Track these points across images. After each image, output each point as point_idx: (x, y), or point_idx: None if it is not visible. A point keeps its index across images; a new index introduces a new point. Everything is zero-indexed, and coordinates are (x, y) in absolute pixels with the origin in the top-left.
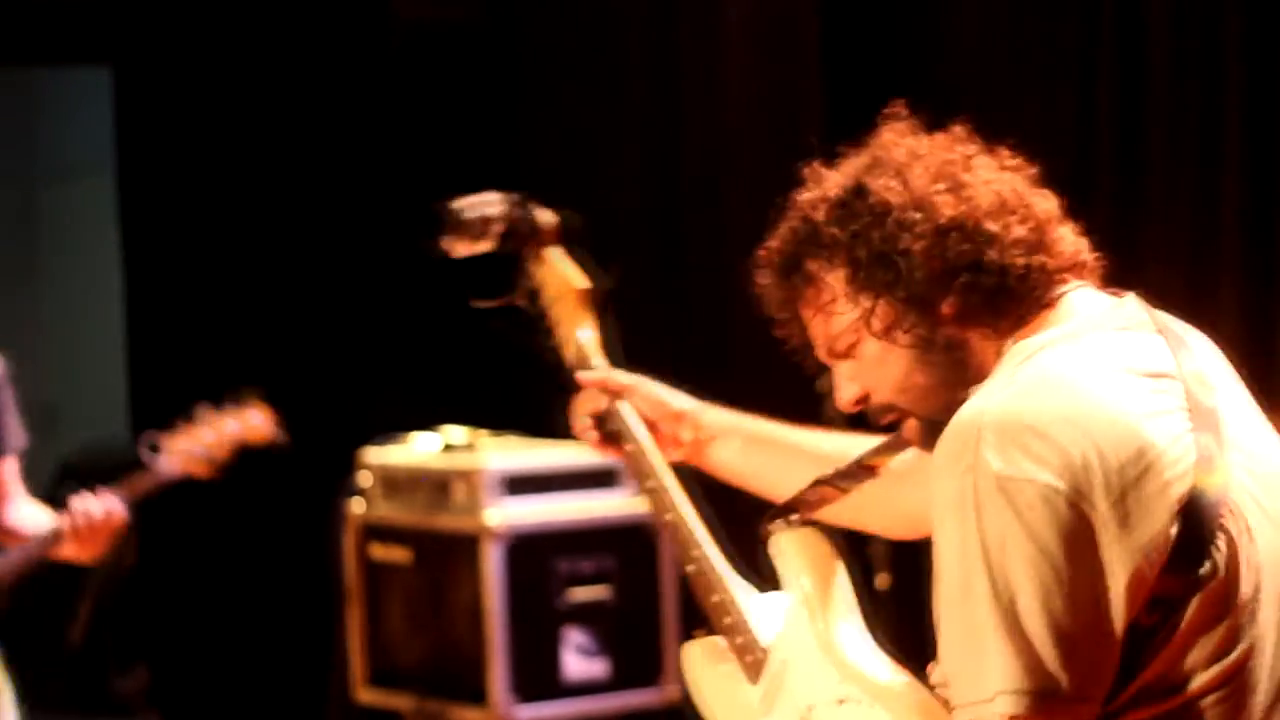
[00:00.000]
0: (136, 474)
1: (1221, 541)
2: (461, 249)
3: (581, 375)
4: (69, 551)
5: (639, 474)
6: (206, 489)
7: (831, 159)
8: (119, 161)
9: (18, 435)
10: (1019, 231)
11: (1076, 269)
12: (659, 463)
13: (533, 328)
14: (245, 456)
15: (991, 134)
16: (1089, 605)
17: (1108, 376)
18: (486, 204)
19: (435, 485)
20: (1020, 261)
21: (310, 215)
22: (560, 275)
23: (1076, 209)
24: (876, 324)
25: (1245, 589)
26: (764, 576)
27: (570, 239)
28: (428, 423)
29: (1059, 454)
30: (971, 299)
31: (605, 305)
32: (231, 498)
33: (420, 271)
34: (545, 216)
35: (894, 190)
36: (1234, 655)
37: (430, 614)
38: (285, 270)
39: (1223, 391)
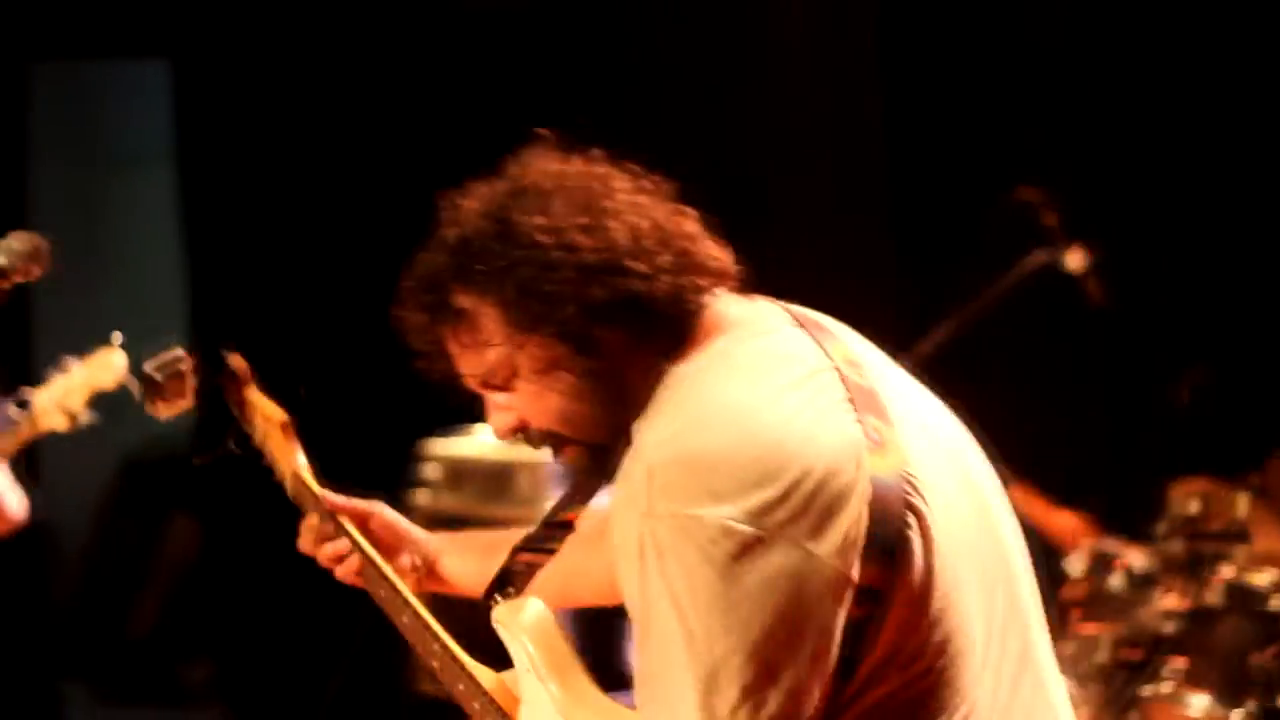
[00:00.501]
0: (3, 432)
1: (912, 519)
2: (164, 410)
3: (328, 500)
4: None
5: (371, 583)
6: (272, 481)
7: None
8: (178, 152)
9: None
10: (663, 259)
11: (721, 281)
12: (388, 569)
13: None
14: (315, 449)
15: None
16: (791, 630)
17: (765, 394)
18: (176, 362)
19: (498, 476)
20: (666, 287)
21: (370, 204)
22: (262, 413)
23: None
24: (531, 361)
25: (945, 559)
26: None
27: (258, 375)
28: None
29: (734, 485)
30: (622, 331)
31: (299, 428)
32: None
33: None
34: (236, 361)
35: (539, 226)
36: (948, 624)
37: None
38: (346, 259)
39: (876, 370)
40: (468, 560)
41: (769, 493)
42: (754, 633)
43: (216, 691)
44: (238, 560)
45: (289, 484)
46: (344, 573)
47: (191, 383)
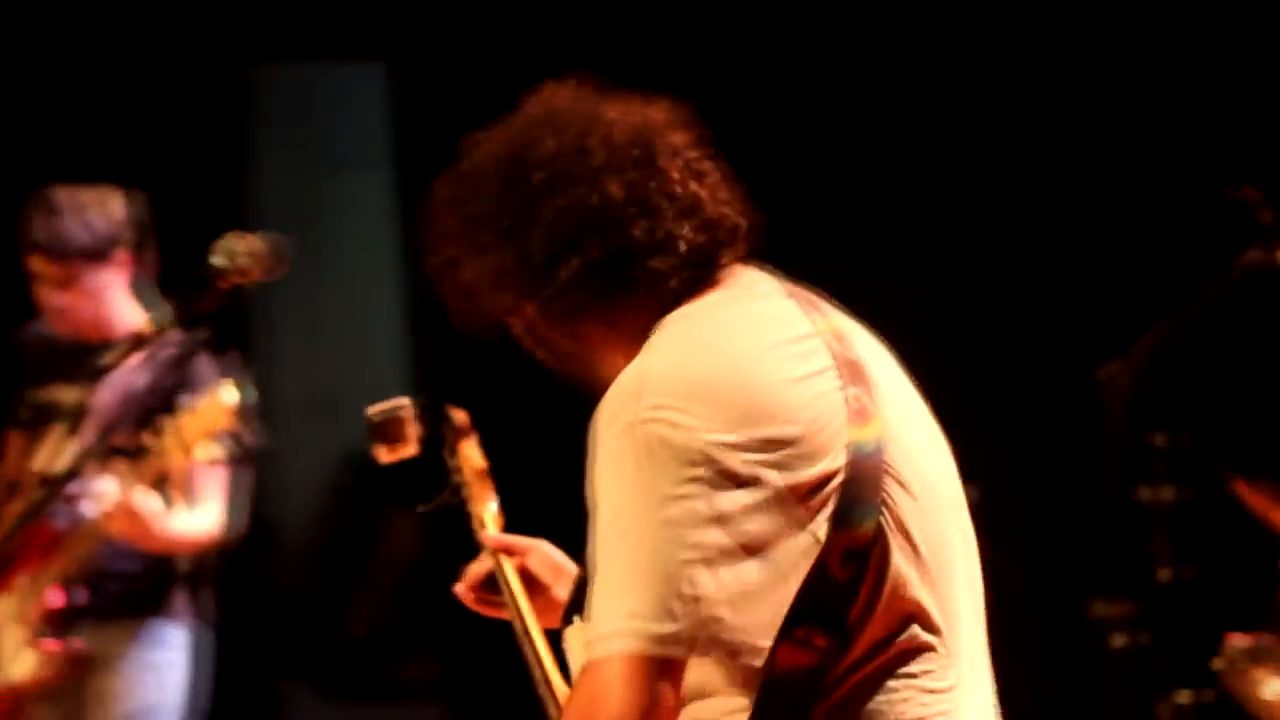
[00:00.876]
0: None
1: (891, 487)
2: (386, 455)
3: (486, 537)
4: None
5: (516, 629)
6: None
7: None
8: (395, 155)
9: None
10: (688, 225)
11: (735, 246)
12: (531, 621)
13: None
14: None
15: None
16: (752, 554)
17: (756, 344)
18: (398, 409)
19: None
20: (676, 255)
21: None
22: (470, 463)
23: None
24: (535, 308)
25: (925, 534)
26: None
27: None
28: None
29: (721, 412)
30: (624, 292)
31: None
32: (521, 485)
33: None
34: (458, 414)
35: (555, 183)
36: (926, 597)
37: None
38: None
39: (862, 347)
40: None
41: (755, 431)
42: (716, 548)
43: (437, 690)
44: (461, 557)
45: (482, 529)
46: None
47: (414, 430)
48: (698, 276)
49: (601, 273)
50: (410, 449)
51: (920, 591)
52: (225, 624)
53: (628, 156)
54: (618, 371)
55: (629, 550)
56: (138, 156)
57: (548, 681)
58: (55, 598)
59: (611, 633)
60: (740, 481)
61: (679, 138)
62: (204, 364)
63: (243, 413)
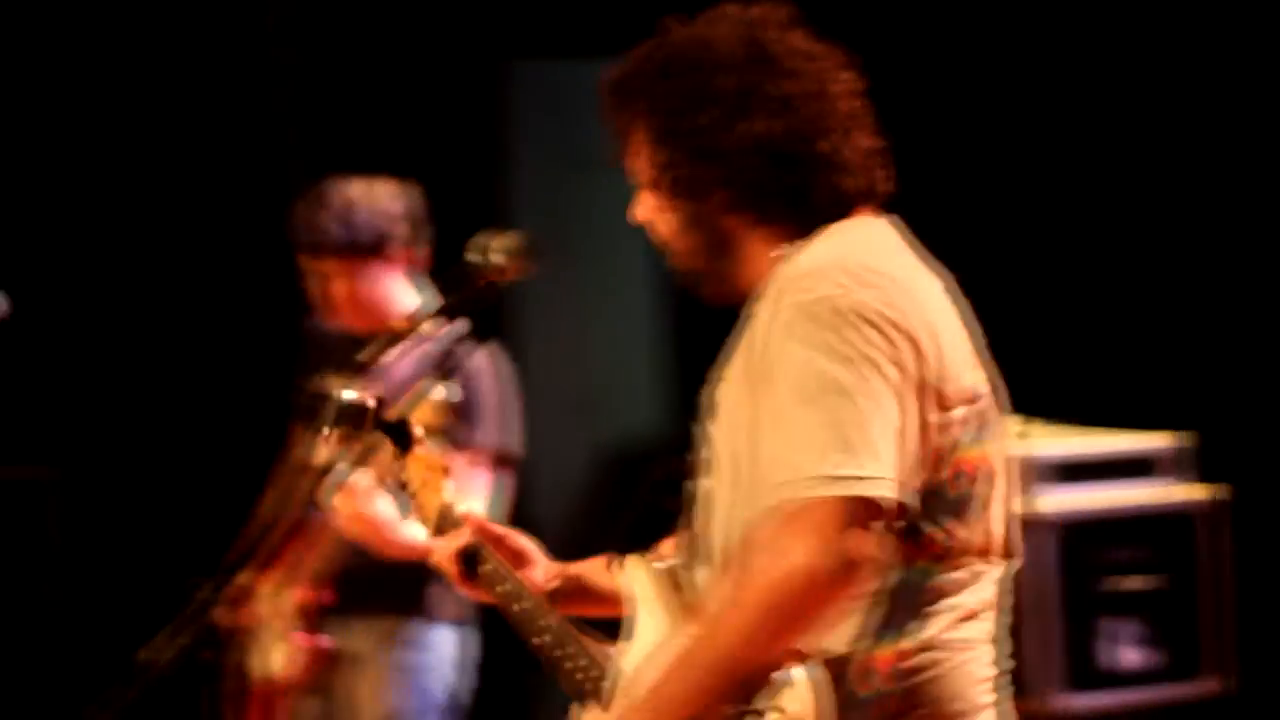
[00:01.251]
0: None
1: (991, 422)
2: (334, 445)
3: (468, 518)
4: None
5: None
6: None
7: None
8: None
9: (487, 433)
10: (844, 154)
11: (873, 197)
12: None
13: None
14: None
15: None
16: (914, 431)
17: (908, 263)
18: (363, 403)
19: None
20: (831, 186)
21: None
22: (424, 465)
23: None
24: (674, 186)
25: (1005, 473)
26: None
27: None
28: None
29: (886, 291)
30: (771, 209)
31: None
32: None
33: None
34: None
35: (764, 85)
36: (997, 522)
37: None
38: None
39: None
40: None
41: (912, 317)
42: (887, 409)
43: None
44: None
45: (434, 520)
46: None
47: (363, 432)
48: (850, 203)
49: (785, 174)
50: (354, 446)
51: (996, 525)
52: (483, 622)
53: (820, 81)
54: (748, 277)
55: (823, 405)
56: (395, 151)
57: (563, 645)
58: (307, 593)
59: (812, 478)
60: (901, 351)
61: (851, 80)
62: (468, 359)
63: (451, 410)
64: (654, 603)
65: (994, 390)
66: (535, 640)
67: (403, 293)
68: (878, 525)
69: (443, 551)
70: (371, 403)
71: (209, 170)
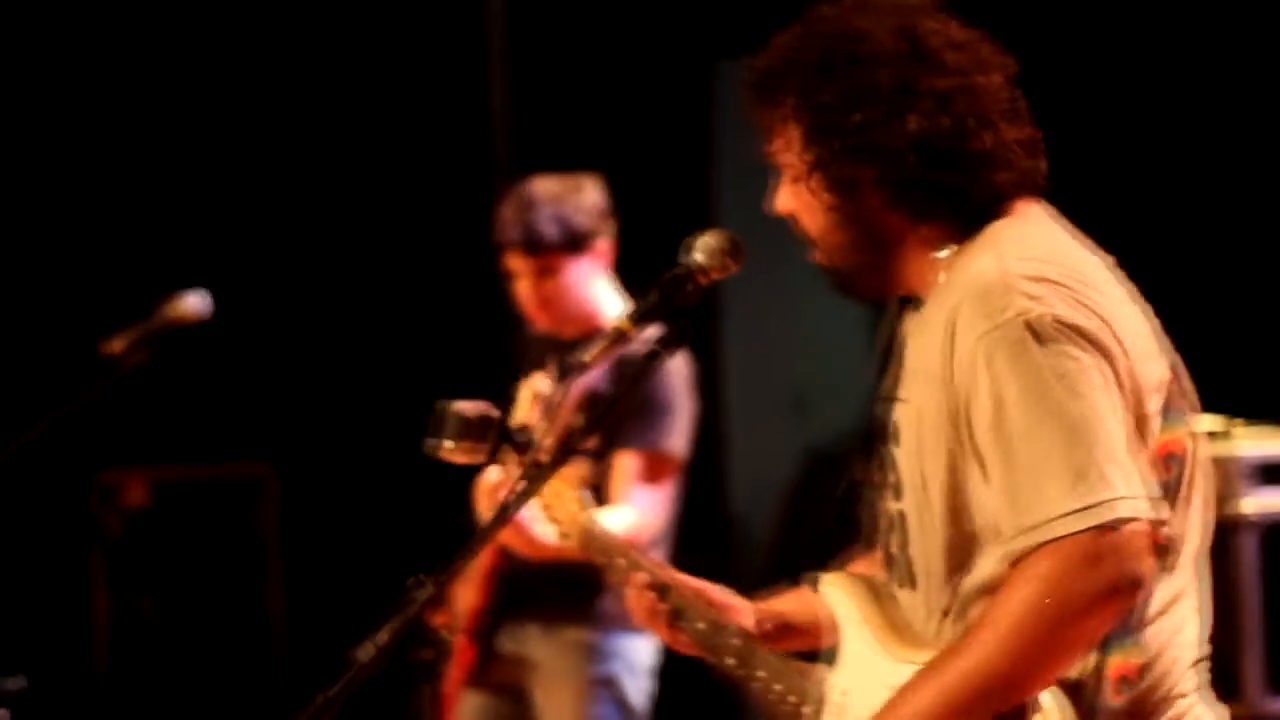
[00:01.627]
0: None
1: (1178, 403)
2: (452, 453)
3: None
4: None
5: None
6: None
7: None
8: None
9: (663, 436)
10: (1000, 148)
11: (1033, 188)
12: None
13: None
14: None
15: None
16: (1128, 437)
17: (1089, 256)
18: (488, 413)
19: None
20: (984, 189)
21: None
22: (557, 479)
23: None
24: (828, 180)
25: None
26: None
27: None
28: None
29: (1091, 305)
30: (923, 207)
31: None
32: None
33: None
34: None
35: (922, 78)
36: (1196, 504)
37: None
38: None
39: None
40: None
41: (1114, 324)
42: (1115, 428)
43: None
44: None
45: (577, 538)
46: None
47: (488, 443)
48: (1007, 198)
49: (943, 172)
50: (478, 457)
51: (1196, 507)
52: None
53: (975, 74)
54: (903, 275)
55: (1041, 436)
56: (603, 149)
57: (752, 666)
58: (476, 598)
59: (1066, 514)
60: (1111, 364)
61: (1003, 68)
62: (670, 364)
63: (546, 406)
64: (860, 623)
65: (1175, 372)
66: (724, 662)
67: (606, 292)
68: (1142, 541)
69: (635, 589)
70: (494, 413)
71: (420, 171)
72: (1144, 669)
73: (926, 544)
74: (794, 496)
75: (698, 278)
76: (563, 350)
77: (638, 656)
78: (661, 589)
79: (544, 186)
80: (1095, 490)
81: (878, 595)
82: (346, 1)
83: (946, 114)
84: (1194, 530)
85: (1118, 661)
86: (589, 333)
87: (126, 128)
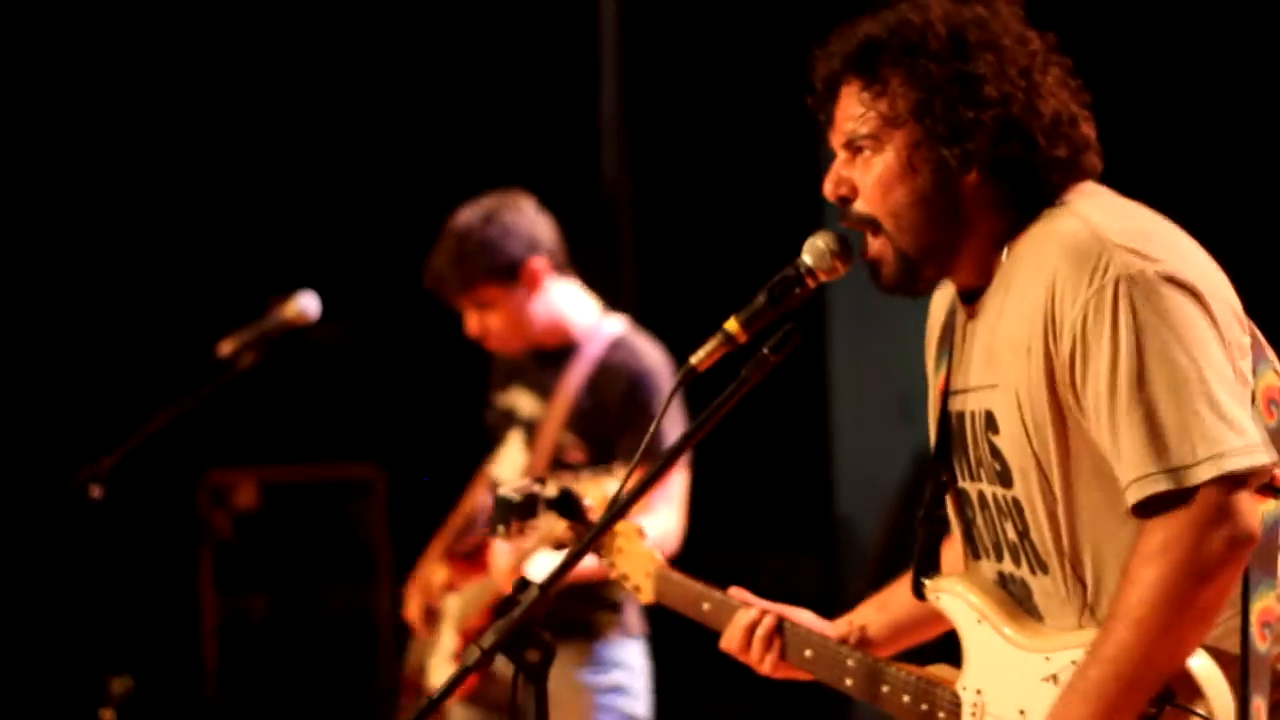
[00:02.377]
0: None
1: (1265, 350)
2: (508, 537)
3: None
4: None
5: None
6: None
7: None
8: None
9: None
10: (1069, 137)
11: (1094, 170)
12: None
13: None
14: None
15: None
16: (1242, 381)
17: (1151, 213)
18: (534, 491)
19: None
20: (1059, 169)
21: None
22: (619, 535)
23: None
24: (908, 151)
25: None
26: None
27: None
28: None
29: (1183, 257)
30: (997, 186)
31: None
32: None
33: None
34: (590, 508)
35: (993, 61)
36: None
37: None
38: None
39: None
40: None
41: (1208, 277)
42: (1228, 374)
43: None
44: None
45: (652, 589)
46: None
47: (536, 517)
48: (1071, 179)
49: (1032, 154)
50: (532, 541)
51: None
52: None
53: (1049, 60)
54: (965, 262)
55: (1161, 387)
56: (714, 153)
57: (876, 680)
58: (478, 619)
59: (1188, 466)
60: (1211, 315)
61: (1064, 64)
62: (650, 366)
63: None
64: (982, 622)
65: (1253, 327)
66: (844, 684)
67: (565, 295)
68: (1254, 490)
69: (739, 631)
70: (536, 488)
71: (528, 175)
72: None
73: (1052, 524)
74: (901, 500)
75: (806, 280)
76: (543, 361)
77: (638, 662)
78: (779, 627)
79: (464, 221)
80: (1216, 443)
81: (992, 591)
82: (458, 10)
83: (1046, 103)
84: None
85: (1260, 608)
86: (566, 341)
87: (244, 133)
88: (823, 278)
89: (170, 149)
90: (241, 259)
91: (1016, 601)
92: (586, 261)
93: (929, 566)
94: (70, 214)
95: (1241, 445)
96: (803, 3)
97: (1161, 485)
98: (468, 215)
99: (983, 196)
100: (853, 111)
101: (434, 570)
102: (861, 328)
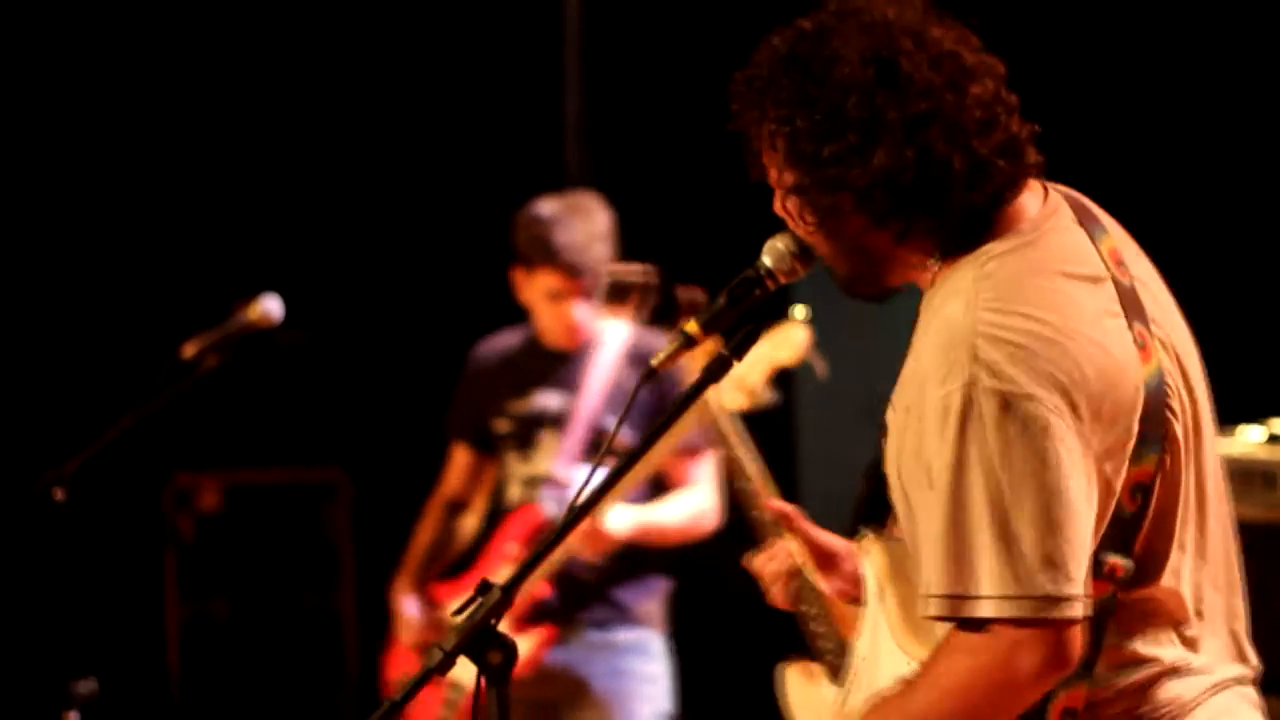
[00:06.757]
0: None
1: (1171, 419)
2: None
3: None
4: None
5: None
6: None
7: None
8: None
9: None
10: (995, 140)
11: (1029, 170)
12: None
13: None
14: None
15: None
16: (1082, 513)
17: (1067, 291)
18: (630, 273)
19: (1264, 477)
20: (970, 199)
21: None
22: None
23: None
24: (816, 206)
25: (1184, 454)
26: None
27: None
28: (1256, 415)
29: (1052, 371)
30: (909, 230)
31: None
32: None
33: None
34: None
35: (895, 95)
36: (1182, 514)
37: (1261, 609)
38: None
39: (1132, 260)
40: None
41: (1078, 387)
42: (1055, 512)
43: None
44: None
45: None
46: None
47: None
48: (996, 203)
49: (919, 200)
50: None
51: (1180, 526)
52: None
53: (954, 88)
54: (902, 278)
55: (971, 512)
56: (678, 154)
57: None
58: (541, 589)
59: (970, 595)
60: (1069, 439)
61: (988, 67)
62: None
63: (809, 351)
64: (881, 595)
65: (1168, 390)
66: (803, 609)
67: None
68: (1074, 634)
69: (772, 572)
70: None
71: (492, 176)
72: (1090, 701)
73: (913, 552)
74: (864, 505)
75: (766, 282)
76: (561, 360)
77: (666, 654)
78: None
79: (578, 208)
80: (1054, 585)
81: (904, 568)
82: (421, 11)
83: (912, 143)
84: (1178, 534)
85: (1063, 696)
86: (588, 339)
87: (202, 134)
88: (783, 280)
89: (133, 153)
90: (205, 262)
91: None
92: None
93: (871, 518)
94: (34, 217)
95: (1074, 594)
96: (765, 2)
97: (988, 609)
98: (579, 199)
99: (886, 238)
100: (760, 150)
101: (406, 603)
102: (828, 332)
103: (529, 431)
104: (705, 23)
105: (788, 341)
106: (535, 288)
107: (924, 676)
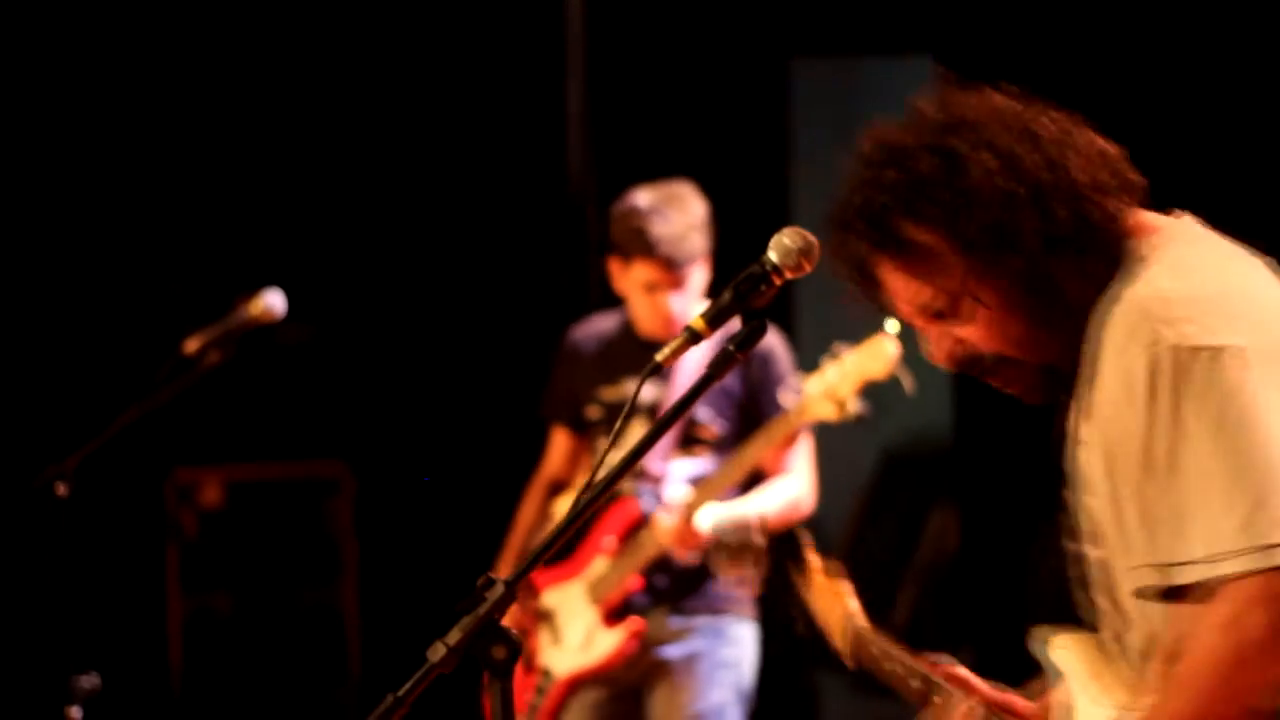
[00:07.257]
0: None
1: None
2: (725, 569)
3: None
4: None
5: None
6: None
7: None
8: None
9: (776, 409)
10: (1103, 179)
11: (1139, 197)
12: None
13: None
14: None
15: None
16: None
17: (1228, 255)
18: (747, 532)
19: None
20: (1110, 209)
21: None
22: (825, 595)
23: None
24: (994, 290)
25: None
26: None
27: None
28: None
29: (1237, 319)
30: (1074, 254)
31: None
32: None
33: None
34: (810, 556)
35: (988, 159)
36: None
37: None
38: None
39: None
40: None
41: (1266, 333)
42: (1273, 455)
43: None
44: (998, 552)
45: (850, 644)
46: None
47: (758, 561)
48: (1126, 233)
49: (1063, 243)
50: (746, 572)
51: None
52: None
53: (1063, 146)
54: (1046, 350)
55: (1190, 472)
56: (680, 149)
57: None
58: (635, 582)
59: (1214, 555)
60: (1267, 383)
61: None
62: (773, 355)
63: (898, 364)
64: (1087, 679)
65: None
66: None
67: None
68: None
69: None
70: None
71: (496, 173)
72: None
73: (1133, 588)
74: (872, 499)
75: (772, 278)
76: (651, 349)
77: (753, 643)
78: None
79: (675, 198)
80: (1265, 531)
81: (1104, 650)
82: (424, 8)
83: (1060, 195)
84: None
85: None
86: (674, 329)
87: (204, 129)
88: (789, 275)
89: (135, 148)
90: (207, 257)
91: (1109, 660)
92: (553, 257)
93: (1050, 614)
94: (35, 213)
95: (1265, 543)
96: (767, 1)
97: (1209, 573)
98: (675, 190)
99: (1075, 275)
100: (903, 288)
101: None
102: (829, 326)
103: (615, 419)
104: (708, 19)
105: (879, 354)
106: (631, 278)
107: (1170, 678)
